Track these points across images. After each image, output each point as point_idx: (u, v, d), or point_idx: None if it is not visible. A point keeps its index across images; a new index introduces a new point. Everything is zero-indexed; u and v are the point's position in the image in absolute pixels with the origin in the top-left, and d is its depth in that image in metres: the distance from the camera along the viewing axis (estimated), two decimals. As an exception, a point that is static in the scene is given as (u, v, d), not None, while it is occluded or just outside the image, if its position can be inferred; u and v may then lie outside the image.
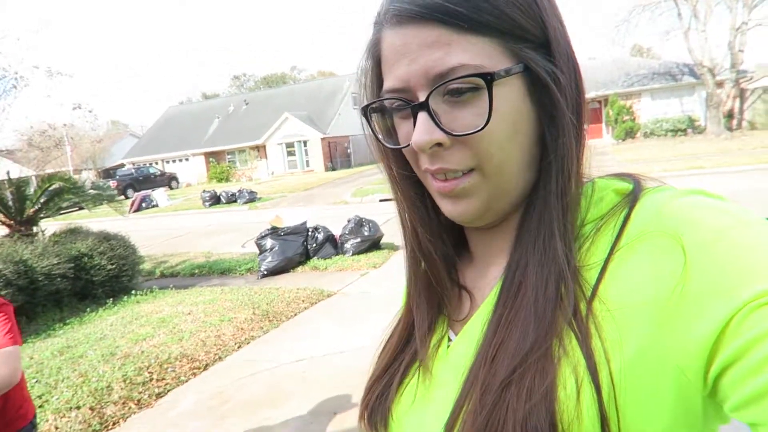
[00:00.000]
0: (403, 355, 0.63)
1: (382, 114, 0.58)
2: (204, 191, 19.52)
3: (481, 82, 0.47)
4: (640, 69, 25.77)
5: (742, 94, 21.23)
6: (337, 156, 32.41)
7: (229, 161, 34.42)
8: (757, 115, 21.13)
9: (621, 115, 24.16)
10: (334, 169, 31.63)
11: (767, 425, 0.35)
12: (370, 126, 0.57)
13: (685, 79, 23.05)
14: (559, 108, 0.50)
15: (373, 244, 7.92)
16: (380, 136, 0.58)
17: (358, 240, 7.79)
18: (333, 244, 7.91)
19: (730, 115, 21.22)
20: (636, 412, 0.41)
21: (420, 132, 0.49)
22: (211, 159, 34.57)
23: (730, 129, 20.84)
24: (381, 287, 6.23)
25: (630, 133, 24.10)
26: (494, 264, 0.59)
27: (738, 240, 0.40)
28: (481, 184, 0.51)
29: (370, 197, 15.40)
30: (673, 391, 0.40)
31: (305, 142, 31.90)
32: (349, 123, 34.03)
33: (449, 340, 0.59)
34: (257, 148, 33.34)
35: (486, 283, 0.59)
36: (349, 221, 8.05)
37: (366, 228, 7.92)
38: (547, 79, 0.49)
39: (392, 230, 9.34)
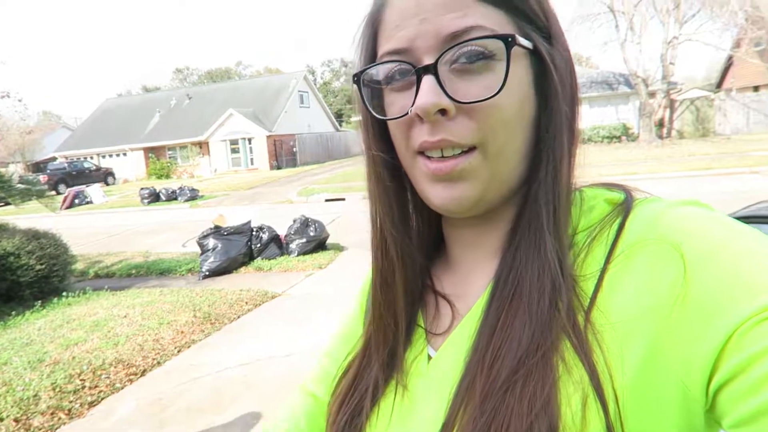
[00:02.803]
0: (371, 371, 0.58)
1: (372, 89, 0.54)
2: (143, 188, 18.77)
3: (499, 46, 0.45)
4: (580, 78, 26.01)
5: (671, 105, 22.49)
6: (283, 155, 31.96)
7: (170, 157, 33.24)
8: (686, 125, 22.43)
9: (561, 121, 24.92)
10: (279, 167, 31.17)
11: None
12: (361, 94, 0.53)
13: (621, 88, 24.18)
14: (557, 97, 0.49)
15: (319, 244, 7.84)
16: (369, 105, 0.53)
17: (304, 240, 7.69)
18: (278, 245, 7.77)
19: (661, 124, 22.43)
20: (641, 426, 0.40)
21: (426, 94, 0.46)
22: (150, 154, 33.27)
23: (660, 137, 22.03)
24: (327, 288, 6.17)
25: (569, 139, 24.89)
26: (478, 270, 0.56)
27: (739, 252, 0.39)
28: (481, 166, 0.48)
29: (316, 197, 15.26)
30: (677, 407, 0.39)
31: (250, 140, 31.28)
32: (296, 121, 33.71)
33: (429, 355, 0.55)
34: (200, 144, 32.39)
35: (470, 292, 0.55)
36: (294, 221, 7.93)
37: (312, 228, 7.83)
38: (550, 64, 0.48)
39: (338, 231, 9.29)
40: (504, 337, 0.46)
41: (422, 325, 0.58)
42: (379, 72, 0.51)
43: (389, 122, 0.52)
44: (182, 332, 5.03)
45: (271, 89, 35.13)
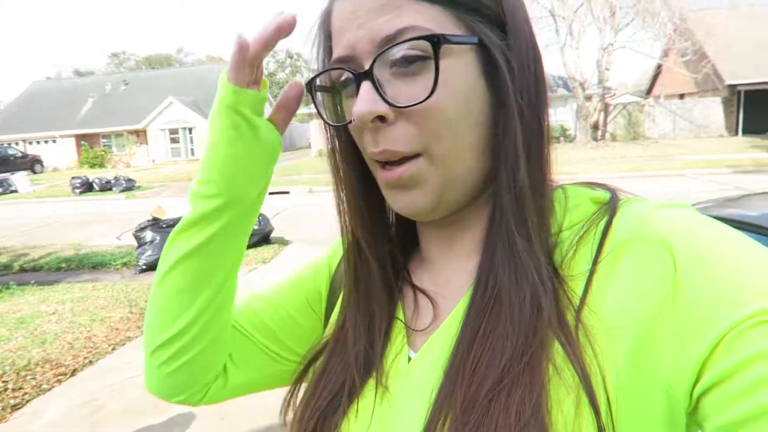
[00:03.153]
0: (345, 366, 0.55)
1: (331, 94, 0.53)
2: (74, 177, 17.75)
3: (429, 48, 0.44)
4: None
5: (606, 109, 23.55)
6: (226, 146, 31.09)
7: (104, 145, 31.66)
8: (618, 128, 23.55)
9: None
10: (222, 159, 30.28)
11: None
12: (314, 101, 0.52)
13: (560, 91, 25.06)
14: (508, 92, 0.46)
15: (263, 238, 7.69)
16: (323, 111, 0.53)
17: (248, 234, 7.50)
18: (221, 238, 7.55)
19: (596, 127, 23.44)
20: (630, 429, 0.40)
21: (362, 101, 0.45)
22: (83, 142, 31.54)
23: (595, 139, 23.04)
24: (271, 283, 6.04)
25: (511, 138, 25.61)
26: (456, 269, 0.54)
27: (730, 254, 0.39)
28: (429, 172, 0.47)
29: (261, 190, 14.93)
30: (662, 407, 0.39)
31: (191, 129, 30.29)
32: (240, 112, 32.79)
33: (409, 355, 0.53)
34: (137, 132, 31.05)
35: (450, 291, 0.54)
36: (238, 214, 7.72)
37: (255, 221, 7.65)
38: (497, 57, 0.46)
39: (283, 224, 9.16)
40: (485, 345, 0.44)
41: (402, 319, 0.56)
42: (328, 79, 0.52)
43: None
44: (117, 329, 4.80)
45: (214, 78, 33.97)
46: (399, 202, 0.50)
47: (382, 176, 0.49)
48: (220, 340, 0.61)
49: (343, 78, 0.50)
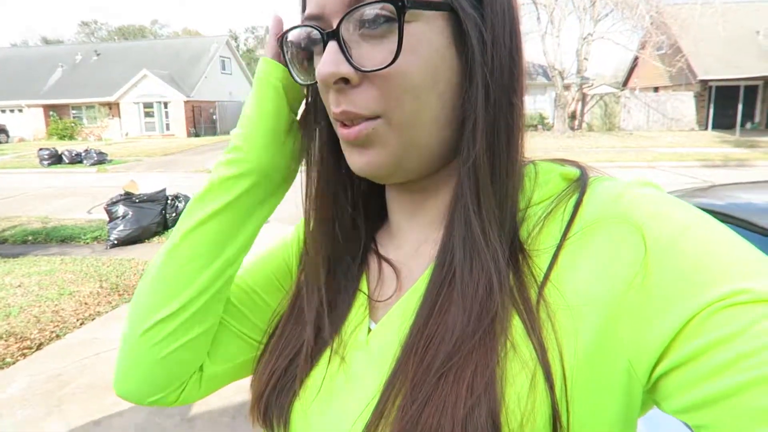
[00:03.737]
0: (300, 333, 0.55)
1: (300, 51, 0.52)
2: (42, 149, 17.16)
3: (392, 9, 0.43)
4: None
5: (583, 98, 23.82)
6: (202, 122, 30.57)
7: (74, 117, 30.72)
8: (595, 118, 23.83)
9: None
10: (197, 135, 29.83)
11: (715, 429, 0.35)
12: (284, 56, 0.53)
13: (539, 79, 25.24)
14: (474, 65, 0.45)
15: (239, 216, 7.60)
16: (292, 70, 0.53)
17: (223, 212, 7.41)
18: (195, 215, 7.44)
19: (573, 116, 23.71)
20: (586, 406, 0.40)
21: (325, 62, 0.45)
22: (51, 113, 30.55)
23: (572, 128, 23.29)
24: (246, 261, 6.00)
25: (489, 125, 25.74)
26: (421, 240, 0.54)
27: (701, 237, 0.39)
28: (387, 134, 0.46)
29: (237, 168, 14.73)
30: (621, 385, 0.39)
31: (166, 104, 29.63)
32: (217, 88, 32.30)
33: (369, 326, 0.52)
34: (109, 105, 30.20)
35: (414, 263, 0.53)
36: (213, 192, 7.62)
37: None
38: (466, 26, 0.44)
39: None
40: (439, 322, 0.44)
41: (365, 291, 0.55)
42: (299, 36, 0.51)
43: None
44: (86, 304, 4.71)
45: (190, 52, 33.30)
46: (356, 162, 0.49)
47: (341, 133, 0.48)
48: (217, 322, 0.59)
49: (312, 36, 0.49)
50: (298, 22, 0.52)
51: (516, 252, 0.45)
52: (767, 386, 0.32)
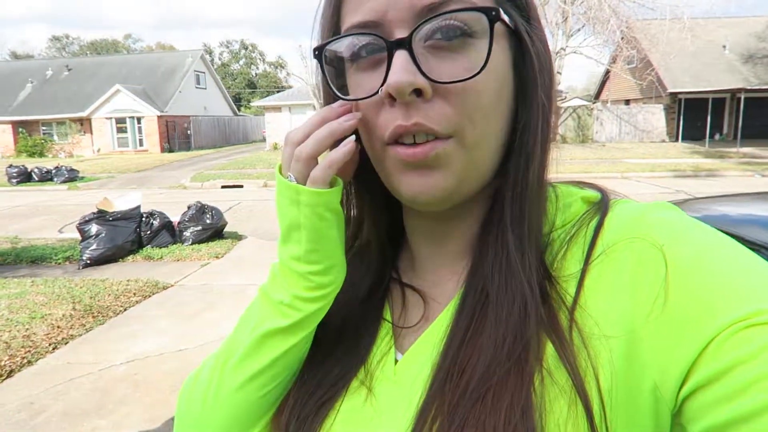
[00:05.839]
0: (326, 368, 0.53)
1: (333, 67, 0.48)
2: (11, 166, 16.70)
3: (480, 21, 0.41)
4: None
5: (557, 111, 24.24)
6: (176, 137, 30.26)
7: (44, 133, 30.07)
8: (568, 131, 24.29)
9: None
10: (171, 150, 29.51)
11: None
12: (323, 70, 0.48)
13: (514, 92, 25.58)
14: (535, 84, 0.45)
15: (216, 232, 7.49)
16: (333, 86, 0.48)
17: (200, 228, 7.29)
18: (170, 232, 7.30)
19: (558, 117, 24.09)
20: (623, 429, 0.39)
21: (399, 71, 0.41)
22: (20, 129, 29.84)
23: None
24: (224, 279, 5.91)
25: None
26: (447, 268, 0.52)
27: (721, 259, 0.39)
28: (457, 156, 0.44)
29: (212, 183, 14.61)
30: (650, 409, 0.39)
31: (139, 119, 29.25)
32: (191, 103, 32.08)
33: (395, 357, 0.51)
34: (81, 120, 29.64)
35: (440, 291, 0.52)
36: (189, 207, 7.50)
37: (208, 215, 7.45)
38: (530, 48, 0.45)
39: (236, 218, 8.95)
40: (473, 346, 0.43)
41: (389, 319, 0.54)
42: (343, 47, 0.46)
43: (354, 108, 0.48)
44: (59, 327, 4.55)
45: (164, 67, 33.01)
46: (416, 185, 0.45)
47: (402, 153, 0.44)
48: None
49: (362, 46, 0.45)
50: (313, 44, 0.49)
51: (542, 277, 0.45)
52: None
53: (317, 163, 0.48)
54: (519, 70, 0.46)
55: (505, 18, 0.43)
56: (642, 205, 0.46)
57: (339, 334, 0.54)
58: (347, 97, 0.47)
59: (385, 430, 0.47)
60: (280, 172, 0.49)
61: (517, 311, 0.43)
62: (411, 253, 0.57)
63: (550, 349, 0.41)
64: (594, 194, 0.49)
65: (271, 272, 0.52)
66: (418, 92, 0.42)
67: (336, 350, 0.53)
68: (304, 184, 0.47)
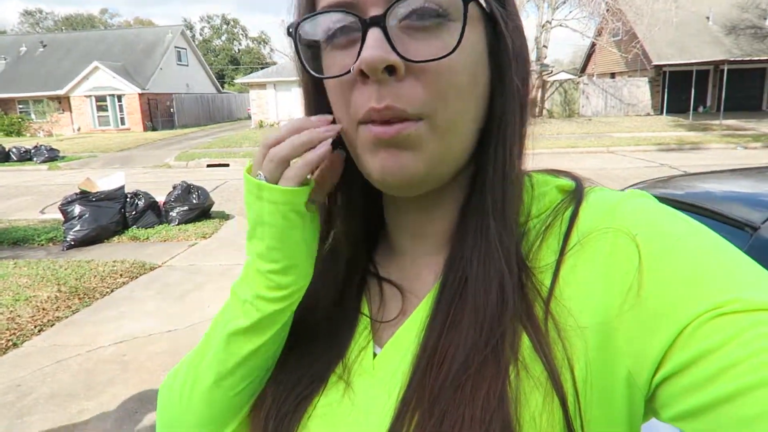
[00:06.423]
0: (304, 363, 0.52)
1: (308, 47, 0.48)
2: (-13, 146, 16.40)
3: (455, 2, 0.41)
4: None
5: (543, 86, 24.19)
6: (159, 115, 29.75)
7: (21, 112, 29.36)
8: (555, 105, 24.27)
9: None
10: (154, 129, 29.03)
11: None
12: (297, 50, 0.46)
13: (500, 66, 25.42)
14: (509, 69, 0.45)
15: (203, 212, 7.43)
16: (307, 64, 0.47)
17: (186, 208, 7.22)
18: (156, 212, 7.22)
19: (534, 103, 24.04)
20: (597, 419, 0.40)
21: (372, 47, 0.40)
22: (-4, 108, 29.11)
23: (533, 116, 23.56)
24: (212, 259, 5.87)
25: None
26: (425, 261, 0.52)
27: (694, 248, 0.40)
28: (429, 138, 0.43)
29: (197, 162, 14.44)
30: (624, 397, 0.40)
31: (120, 97, 28.68)
32: (173, 80, 31.49)
33: (374, 351, 0.51)
34: (59, 99, 28.97)
35: (419, 284, 0.52)
36: (175, 187, 7.41)
37: (194, 195, 7.37)
38: (505, 31, 0.45)
39: (223, 198, 8.89)
40: (452, 337, 0.43)
41: (367, 313, 0.53)
42: (317, 25, 0.45)
43: (327, 87, 0.48)
44: (44, 309, 4.51)
45: (144, 43, 32.24)
46: (385, 165, 0.44)
47: (374, 131, 0.43)
48: None
49: (337, 24, 0.44)
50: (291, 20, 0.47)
51: (519, 268, 0.45)
52: (752, 395, 0.33)
53: (289, 166, 0.47)
54: (495, 55, 0.46)
55: (480, 1, 0.43)
56: (616, 195, 0.47)
57: (316, 330, 0.54)
58: (321, 76, 0.47)
59: (362, 423, 0.47)
60: (249, 172, 0.49)
61: (494, 301, 0.43)
62: (391, 247, 0.56)
63: (525, 340, 0.42)
64: (569, 183, 0.49)
65: (243, 270, 0.51)
66: (390, 70, 0.41)
67: (314, 346, 0.53)
68: (275, 184, 0.46)
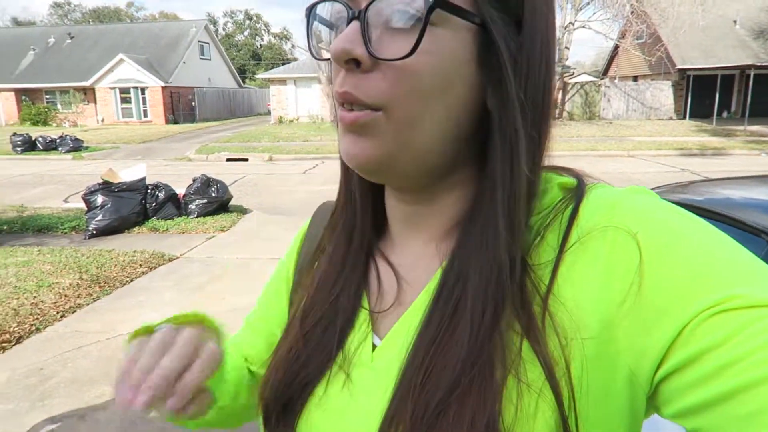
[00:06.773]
0: (305, 353, 0.54)
1: (326, 29, 0.51)
2: (15, 134, 16.73)
3: (420, 8, 0.42)
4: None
5: (564, 87, 23.94)
6: (180, 108, 30.09)
7: (48, 102, 29.93)
8: (576, 107, 24.02)
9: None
10: (176, 122, 29.39)
11: None
12: (308, 27, 0.50)
13: (521, 67, 25.15)
14: (508, 87, 0.44)
15: (221, 205, 7.53)
16: (312, 43, 0.51)
17: (205, 201, 7.33)
18: (175, 204, 7.34)
19: (554, 105, 23.75)
20: (594, 417, 0.41)
21: (341, 39, 0.43)
22: (24, 97, 29.78)
23: (554, 117, 23.33)
24: (230, 252, 5.96)
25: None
26: (427, 251, 0.53)
27: (695, 244, 0.40)
28: (385, 129, 0.45)
29: (216, 155, 14.59)
30: (625, 394, 0.40)
31: (143, 90, 29.06)
32: (195, 74, 31.79)
33: (373, 342, 0.52)
34: (84, 90, 29.46)
35: (416, 275, 0.52)
36: (194, 180, 7.52)
37: (213, 188, 7.48)
38: (499, 47, 0.44)
39: (241, 192, 8.97)
40: (440, 352, 0.43)
41: (365, 306, 0.54)
42: (325, 12, 0.49)
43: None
44: (66, 296, 4.63)
45: (168, 37, 32.61)
46: (348, 149, 0.47)
47: (340, 115, 0.47)
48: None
49: (340, 12, 0.47)
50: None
51: (518, 265, 0.45)
52: (755, 391, 0.33)
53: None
54: (488, 67, 0.45)
55: (453, 10, 0.42)
56: (616, 191, 0.47)
57: (315, 319, 0.55)
58: (317, 57, 0.51)
59: (359, 415, 0.48)
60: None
61: (490, 315, 0.43)
62: (390, 235, 0.58)
63: (522, 339, 0.42)
64: (570, 180, 0.49)
65: None
66: (357, 63, 0.44)
67: (315, 336, 0.54)
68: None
